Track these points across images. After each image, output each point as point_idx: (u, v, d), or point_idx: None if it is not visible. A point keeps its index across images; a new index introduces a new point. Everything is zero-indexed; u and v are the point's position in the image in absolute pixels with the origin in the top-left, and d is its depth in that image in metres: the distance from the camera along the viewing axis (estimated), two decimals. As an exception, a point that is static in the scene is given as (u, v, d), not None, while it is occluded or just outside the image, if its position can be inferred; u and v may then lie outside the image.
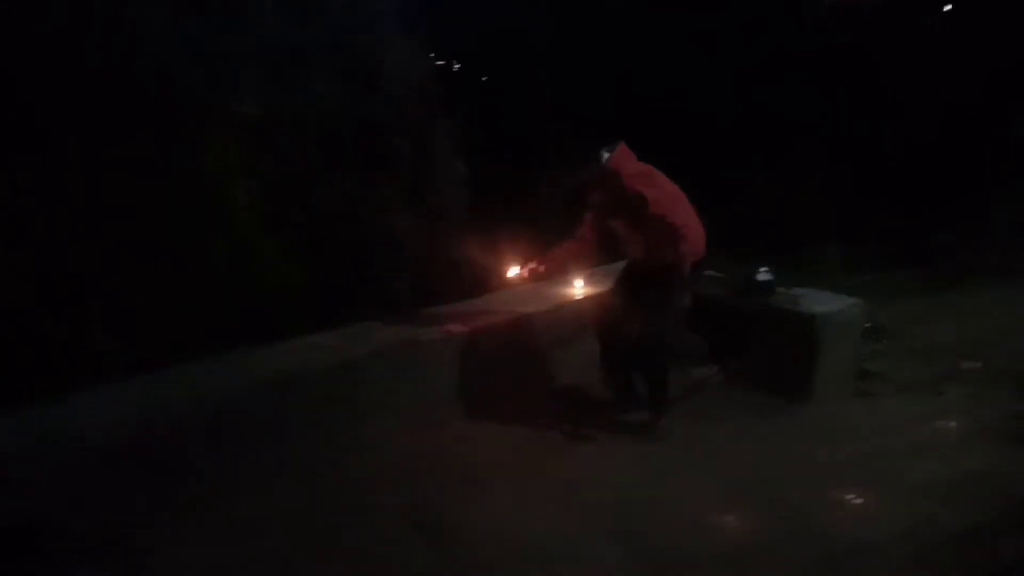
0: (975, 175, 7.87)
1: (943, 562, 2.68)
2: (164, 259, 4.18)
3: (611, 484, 3.17)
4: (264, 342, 3.59)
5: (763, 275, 4.07)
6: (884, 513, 2.99)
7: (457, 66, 7.27)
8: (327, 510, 3.03)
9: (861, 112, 7.75)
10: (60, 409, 2.98)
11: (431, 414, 3.57)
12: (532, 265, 3.52)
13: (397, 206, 5.32)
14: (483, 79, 7.63)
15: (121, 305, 3.93)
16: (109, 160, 3.93)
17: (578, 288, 4.15)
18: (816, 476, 3.27)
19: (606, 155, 3.15)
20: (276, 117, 4.89)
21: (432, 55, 5.80)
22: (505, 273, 3.65)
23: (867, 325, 4.37)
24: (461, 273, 4.50)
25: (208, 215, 4.55)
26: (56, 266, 3.72)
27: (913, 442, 3.55)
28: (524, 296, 4.05)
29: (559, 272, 3.72)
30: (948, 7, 8.04)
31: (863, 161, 7.56)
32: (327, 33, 5.21)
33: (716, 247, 5.13)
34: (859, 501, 3.09)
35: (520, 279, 3.63)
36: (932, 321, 5.23)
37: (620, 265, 3.68)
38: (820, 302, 4.01)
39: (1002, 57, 7.31)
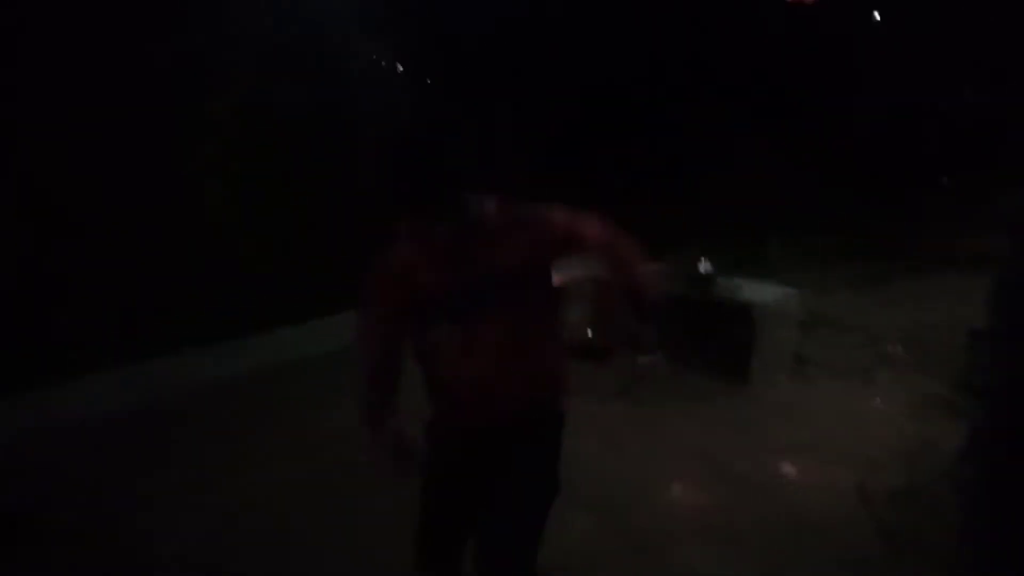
0: (928, 166, 8.17)
1: (890, 521, 2.92)
2: (146, 256, 4.38)
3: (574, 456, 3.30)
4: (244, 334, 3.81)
5: (703, 266, 4.32)
6: (828, 481, 3.24)
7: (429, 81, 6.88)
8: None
9: (821, 96, 7.93)
10: (57, 396, 3.18)
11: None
12: None
13: (365, 207, 5.50)
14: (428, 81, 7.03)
15: (109, 300, 4.11)
16: (87, 158, 4.09)
17: None
18: (760, 451, 3.51)
19: None
20: (246, 117, 5.06)
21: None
22: None
23: (803, 316, 4.65)
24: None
25: (184, 214, 4.73)
26: (47, 264, 3.88)
27: (847, 420, 3.81)
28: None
29: None
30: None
31: (822, 148, 7.78)
32: (297, 34, 5.38)
33: (671, 242, 5.37)
34: (804, 471, 3.34)
35: None
36: (870, 311, 5.46)
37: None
38: (758, 292, 4.27)
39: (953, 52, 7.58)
